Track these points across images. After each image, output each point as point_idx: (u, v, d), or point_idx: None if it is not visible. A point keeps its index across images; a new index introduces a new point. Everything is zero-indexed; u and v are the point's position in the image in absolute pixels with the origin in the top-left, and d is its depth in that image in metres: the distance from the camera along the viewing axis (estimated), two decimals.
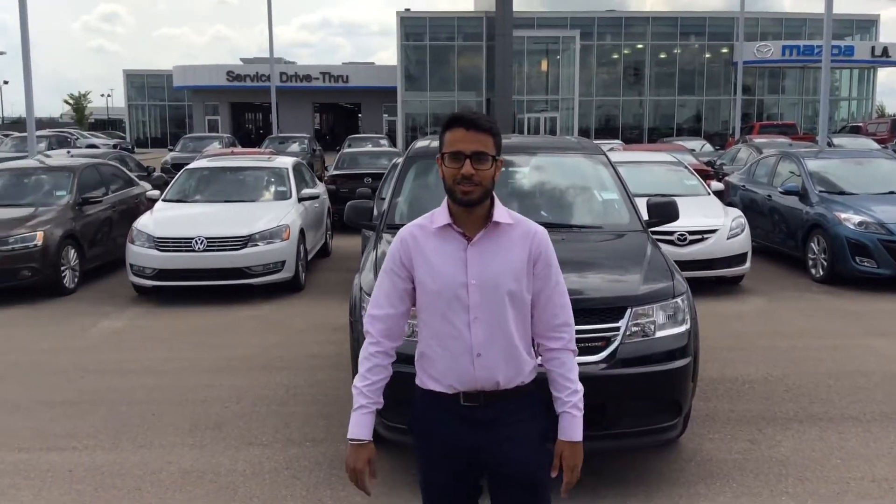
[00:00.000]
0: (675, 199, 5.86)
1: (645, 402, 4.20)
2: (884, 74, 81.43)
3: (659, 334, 4.18)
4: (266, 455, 4.76)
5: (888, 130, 32.96)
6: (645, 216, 5.47)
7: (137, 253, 8.94)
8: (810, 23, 49.88)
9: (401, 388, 4.15)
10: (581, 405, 2.48)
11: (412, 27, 49.06)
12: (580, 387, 2.49)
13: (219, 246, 8.80)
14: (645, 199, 5.86)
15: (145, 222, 9.33)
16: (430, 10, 51.53)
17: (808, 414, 5.30)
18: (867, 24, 51.27)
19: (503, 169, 5.68)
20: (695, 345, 4.34)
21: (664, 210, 5.50)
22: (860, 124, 38.97)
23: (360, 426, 2.48)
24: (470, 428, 2.43)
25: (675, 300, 4.28)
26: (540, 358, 2.53)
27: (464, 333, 2.39)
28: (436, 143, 6.43)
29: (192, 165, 11.30)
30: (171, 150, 26.26)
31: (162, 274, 8.88)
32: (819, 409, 5.40)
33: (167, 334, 7.70)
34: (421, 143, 6.43)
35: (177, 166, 19.27)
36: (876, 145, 25.04)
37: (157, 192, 11.03)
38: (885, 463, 4.49)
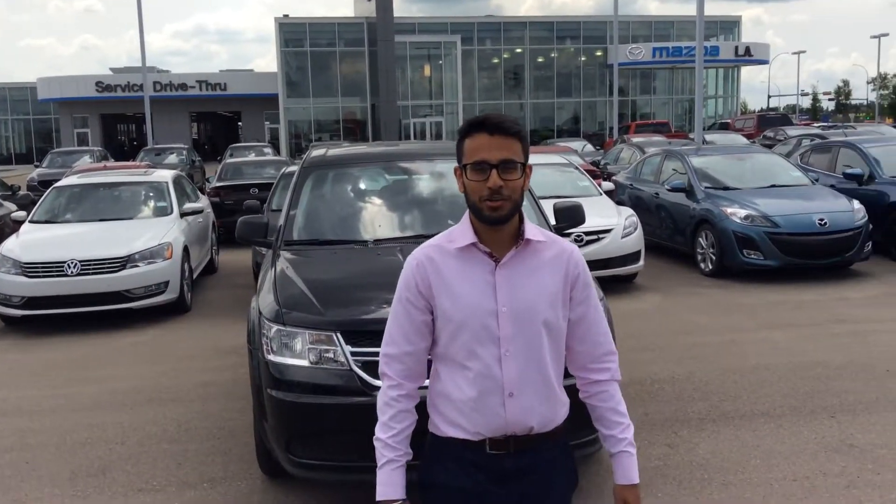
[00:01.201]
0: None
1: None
2: (745, 72, 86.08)
3: None
4: (158, 501, 4.31)
5: (755, 126, 34.67)
6: (552, 220, 5.32)
7: (3, 280, 8.16)
8: (678, 25, 52.15)
9: (310, 420, 3.88)
10: (634, 442, 2.21)
11: (292, 33, 48.21)
12: (630, 422, 2.23)
13: (94, 269, 8.14)
14: (545, 203, 5.73)
15: (10, 247, 8.54)
16: (310, 17, 50.73)
17: (720, 412, 5.28)
18: (730, 25, 54.01)
19: (400, 178, 5.39)
20: None
21: (571, 213, 5.37)
22: (728, 121, 40.92)
23: (390, 484, 2.09)
24: (496, 480, 2.09)
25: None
26: (581, 393, 2.25)
27: (493, 370, 2.05)
28: (333, 152, 6.18)
29: (61, 183, 10.48)
30: (37, 167, 24.70)
31: (31, 302, 8.14)
32: (730, 406, 5.39)
33: (40, 369, 7.03)
34: (317, 153, 6.08)
35: (45, 183, 18.11)
36: (745, 140, 26.25)
37: (23, 213, 10.18)
38: (803, 460, 4.48)
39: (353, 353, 3.78)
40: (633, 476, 2.18)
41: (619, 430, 2.19)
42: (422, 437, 2.20)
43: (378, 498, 2.09)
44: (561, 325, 2.13)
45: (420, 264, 2.10)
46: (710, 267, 10.02)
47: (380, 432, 2.12)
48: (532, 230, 2.10)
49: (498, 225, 2.03)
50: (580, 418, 3.98)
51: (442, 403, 2.13)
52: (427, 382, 2.20)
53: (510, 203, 2.01)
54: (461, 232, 2.09)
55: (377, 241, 4.85)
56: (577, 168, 11.63)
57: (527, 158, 2.06)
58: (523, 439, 2.09)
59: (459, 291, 2.05)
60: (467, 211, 2.10)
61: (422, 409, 2.18)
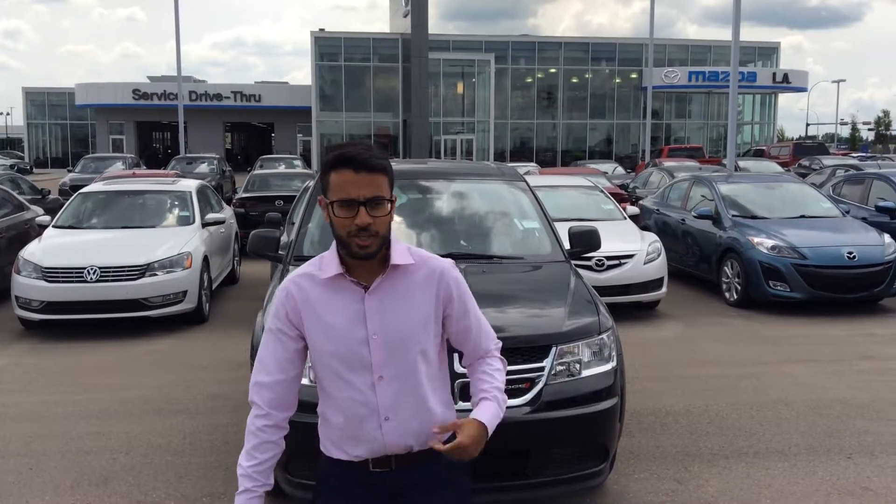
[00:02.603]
0: (594, 224, 5.68)
1: (571, 447, 3.92)
2: (783, 99, 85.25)
3: (585, 373, 3.92)
4: None
5: (790, 154, 34.26)
6: (567, 245, 5.24)
7: (23, 284, 8.24)
8: (715, 50, 51.79)
9: (306, 440, 3.82)
10: (503, 402, 2.22)
11: (327, 47, 48.65)
12: (504, 385, 2.26)
13: (113, 276, 8.18)
14: (565, 226, 5.66)
15: (32, 251, 8.62)
16: (345, 31, 51.08)
17: (733, 449, 5.13)
18: (769, 52, 53.53)
19: (421, 196, 5.38)
20: (621, 383, 4.11)
21: (586, 238, 5.27)
22: (763, 148, 40.48)
23: None
24: (381, 498, 2.13)
25: (600, 336, 4.03)
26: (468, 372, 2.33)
27: (368, 396, 2.08)
28: None
29: (86, 189, 10.59)
30: (70, 171, 25.04)
31: (50, 307, 8.19)
32: (744, 442, 5.24)
33: (54, 373, 7.06)
34: None
35: (76, 188, 18.31)
36: (780, 168, 25.93)
37: (47, 218, 10.29)
38: (814, 502, 4.33)
39: None
40: (481, 415, 2.14)
41: (487, 385, 2.22)
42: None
43: None
44: (435, 345, 2.15)
45: (289, 294, 2.10)
46: (735, 297, 9.84)
47: (243, 460, 2.14)
48: (400, 254, 2.10)
49: (367, 260, 2.04)
50: (585, 450, 3.92)
51: (325, 426, 2.18)
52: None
53: (378, 239, 2.02)
54: (328, 261, 2.10)
55: None
56: (601, 191, 11.52)
57: (392, 188, 2.05)
58: (404, 457, 2.12)
59: (330, 321, 2.06)
60: (334, 242, 2.10)
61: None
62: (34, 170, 46.25)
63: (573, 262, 5.06)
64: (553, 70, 51.07)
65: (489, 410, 2.16)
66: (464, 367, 2.34)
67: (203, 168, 23.46)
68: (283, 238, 6.10)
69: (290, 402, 2.19)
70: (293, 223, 9.35)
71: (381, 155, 2.04)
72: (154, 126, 59.85)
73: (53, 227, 9.54)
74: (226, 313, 9.48)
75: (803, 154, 32.69)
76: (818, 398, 6.15)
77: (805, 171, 24.28)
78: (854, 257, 9.19)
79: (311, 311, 2.08)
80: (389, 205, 2.03)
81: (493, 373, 2.25)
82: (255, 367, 2.17)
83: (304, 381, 3.81)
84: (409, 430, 2.11)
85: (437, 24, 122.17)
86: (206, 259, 9.12)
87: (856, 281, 9.21)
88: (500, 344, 2.34)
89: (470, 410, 2.20)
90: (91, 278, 8.11)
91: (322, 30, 49.18)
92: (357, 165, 1.98)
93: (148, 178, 13.54)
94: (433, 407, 2.15)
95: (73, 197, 10.31)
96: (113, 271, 8.19)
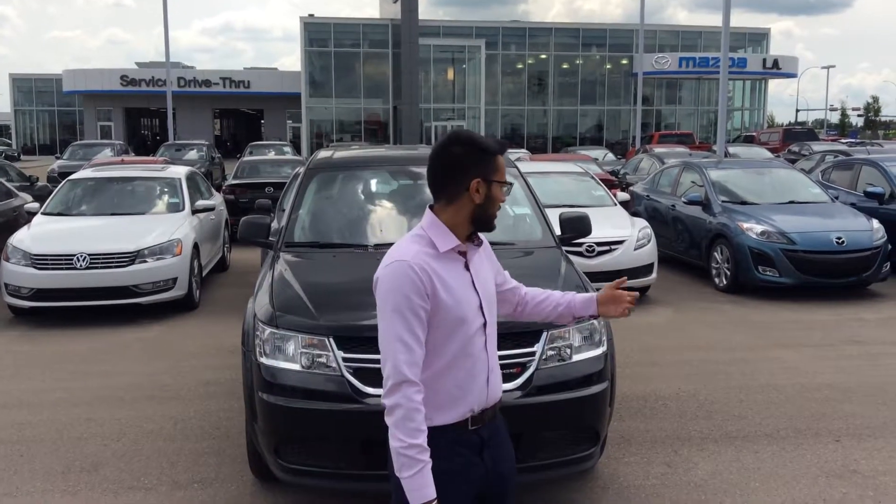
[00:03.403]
0: (585, 210, 5.69)
1: (562, 431, 3.94)
2: (773, 85, 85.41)
3: (575, 358, 3.93)
4: (148, 500, 4.28)
5: (780, 140, 34.36)
6: (557, 230, 5.25)
7: (12, 271, 8.20)
8: (705, 35, 51.75)
9: (297, 426, 3.83)
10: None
11: (316, 33, 48.37)
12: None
13: (103, 263, 8.15)
14: (555, 212, 5.66)
15: (21, 237, 8.58)
16: (335, 17, 50.86)
17: (722, 432, 5.17)
18: (759, 38, 53.52)
19: (412, 182, 5.40)
20: (611, 367, 4.13)
21: (577, 224, 5.29)
22: (753, 134, 40.58)
23: (430, 486, 2.16)
24: (477, 453, 2.34)
25: (591, 321, 4.04)
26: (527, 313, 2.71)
27: (481, 354, 2.35)
28: (339, 154, 6.13)
29: (75, 176, 10.52)
30: (58, 158, 24.87)
31: (40, 294, 8.16)
32: (733, 426, 5.28)
33: (45, 361, 7.04)
34: (323, 154, 6.04)
35: (64, 175, 18.18)
36: (769, 154, 26.00)
37: (36, 205, 10.22)
38: (803, 484, 4.37)
39: (345, 359, 3.73)
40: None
41: (558, 296, 2.70)
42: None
43: (419, 501, 2.14)
44: None
45: (423, 270, 2.21)
46: (725, 282, 9.88)
47: (412, 438, 2.16)
48: None
49: (491, 231, 2.38)
50: (576, 434, 3.94)
51: (433, 394, 2.25)
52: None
53: None
54: (442, 236, 2.28)
55: (378, 247, 4.79)
56: (592, 177, 11.52)
57: None
58: (492, 410, 2.40)
59: (456, 289, 2.27)
60: (430, 218, 2.32)
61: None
62: (22, 157, 45.88)
63: (564, 247, 5.07)
64: (543, 56, 50.93)
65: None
66: (515, 314, 2.71)
67: (192, 155, 23.34)
68: (274, 224, 6.08)
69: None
70: (283, 210, 9.35)
71: None
72: (142, 112, 59.48)
73: (42, 214, 9.48)
74: (216, 300, 9.46)
75: (793, 140, 32.81)
76: (807, 382, 6.20)
77: (794, 157, 24.35)
78: (843, 242, 9.24)
79: (441, 282, 2.24)
80: None
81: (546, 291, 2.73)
82: (397, 349, 2.19)
83: (296, 366, 3.85)
84: (500, 383, 2.44)
85: (427, 10, 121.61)
86: (196, 246, 9.09)
87: (845, 266, 9.26)
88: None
89: None
90: (81, 265, 8.08)
91: (311, 15, 48.87)
92: (504, 153, 2.36)
93: (137, 164, 13.46)
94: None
95: (62, 184, 10.24)
96: (103, 258, 8.16)
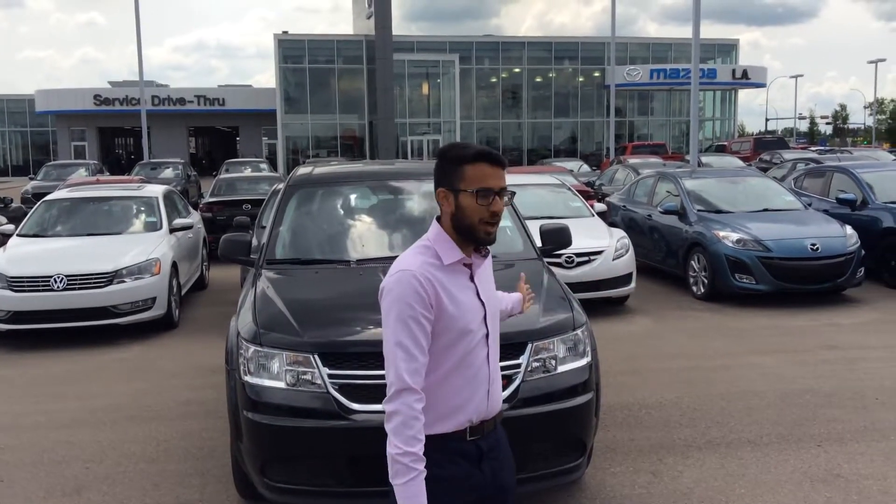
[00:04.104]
0: (564, 222, 5.73)
1: (549, 442, 3.95)
2: (743, 95, 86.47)
3: (560, 369, 3.96)
4: None
5: (751, 149, 34.75)
6: (538, 242, 5.28)
7: None
8: (675, 48, 52.42)
9: (283, 444, 3.81)
10: None
11: (291, 49, 48.34)
12: None
13: (81, 284, 8.06)
14: (534, 223, 5.69)
15: None
16: (309, 33, 50.72)
17: (706, 440, 5.21)
18: (728, 48, 54.25)
19: (392, 197, 5.41)
20: (596, 377, 4.15)
21: (558, 236, 5.32)
22: (725, 143, 41.01)
23: (422, 494, 2.19)
24: (475, 463, 2.36)
25: (575, 332, 4.07)
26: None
27: (483, 366, 2.37)
28: (319, 170, 6.13)
29: (50, 196, 10.42)
30: (32, 179, 24.62)
31: (17, 317, 8.06)
32: (716, 433, 5.33)
33: (23, 384, 6.95)
34: (303, 170, 6.04)
35: (38, 196, 17.99)
36: (741, 163, 26.30)
37: (11, 227, 10.10)
38: (787, 489, 4.42)
39: (330, 376, 3.72)
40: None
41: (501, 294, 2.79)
42: None
43: None
44: None
45: (427, 281, 2.25)
46: (702, 290, 9.97)
47: (408, 446, 2.18)
48: None
49: (486, 245, 2.34)
50: (563, 445, 3.95)
51: (433, 404, 2.28)
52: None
53: (499, 226, 2.34)
54: (447, 249, 2.31)
55: (360, 262, 4.79)
56: (569, 189, 11.60)
57: None
58: (492, 422, 2.42)
59: (462, 300, 2.30)
60: (437, 230, 2.34)
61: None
62: None
63: (543, 259, 5.10)
64: (517, 70, 51.28)
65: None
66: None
67: (168, 173, 23.20)
68: (253, 242, 6.05)
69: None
70: (262, 227, 9.32)
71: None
72: (116, 132, 59.03)
73: (18, 235, 9.38)
74: (196, 319, 9.39)
75: (764, 149, 33.17)
76: (787, 388, 6.26)
77: (766, 166, 24.65)
78: (817, 249, 9.36)
79: (446, 293, 2.27)
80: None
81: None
82: (398, 356, 2.21)
83: (280, 384, 3.84)
84: (500, 395, 2.46)
85: (400, 25, 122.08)
86: (174, 265, 9.03)
87: (819, 272, 9.38)
88: None
89: None
90: (58, 286, 8.00)
91: (285, 32, 48.84)
92: (493, 160, 2.29)
93: (112, 184, 13.36)
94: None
95: (37, 205, 10.14)
96: (80, 279, 8.08)
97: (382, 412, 2.38)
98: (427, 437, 2.24)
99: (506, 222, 5.41)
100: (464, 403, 2.33)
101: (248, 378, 3.86)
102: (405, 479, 2.17)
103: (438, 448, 2.28)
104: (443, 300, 2.26)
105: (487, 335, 2.37)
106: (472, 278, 2.36)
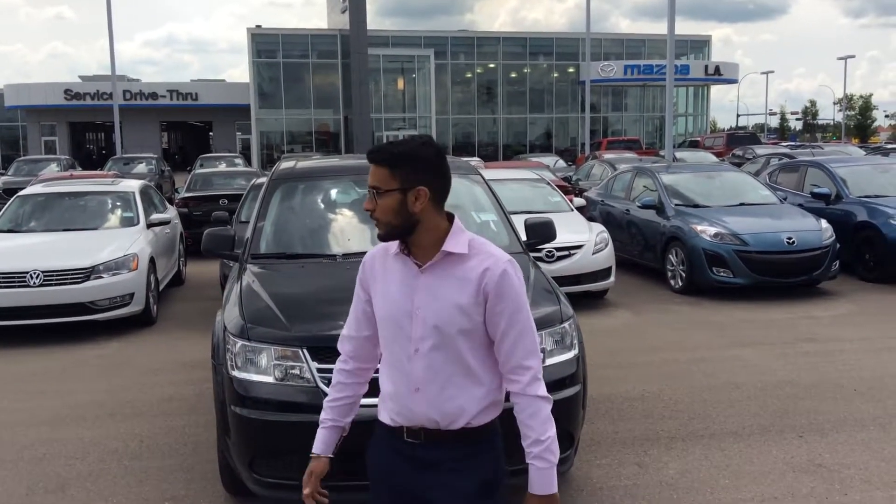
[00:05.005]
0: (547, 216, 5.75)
1: None
2: (715, 91, 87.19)
3: (548, 362, 3.95)
4: None
5: (724, 144, 35.10)
6: (523, 236, 5.29)
7: None
8: (649, 44, 52.76)
9: (271, 439, 3.79)
10: (549, 455, 2.22)
11: (264, 44, 48.01)
12: (546, 434, 2.22)
13: (58, 280, 7.95)
14: (515, 218, 5.71)
15: None
16: (283, 28, 50.47)
17: (689, 431, 5.26)
18: (700, 45, 54.74)
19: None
20: (583, 370, 4.17)
21: (543, 230, 5.34)
22: (698, 139, 41.39)
23: (318, 441, 2.47)
24: (410, 467, 2.29)
25: (562, 325, 4.08)
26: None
27: (405, 365, 2.26)
28: (302, 164, 6.11)
29: (25, 192, 10.27)
30: (2, 175, 24.25)
31: None
32: (699, 425, 5.38)
33: (1, 381, 6.84)
34: (286, 164, 6.00)
35: (10, 192, 17.75)
36: (715, 158, 26.54)
37: None
38: (771, 480, 4.47)
39: (319, 370, 3.70)
40: (538, 487, 2.23)
41: (527, 444, 2.23)
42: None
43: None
44: (481, 332, 2.23)
45: (365, 262, 2.39)
46: (680, 284, 10.06)
47: (325, 399, 2.48)
48: (457, 242, 2.22)
49: (384, 242, 2.29)
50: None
51: (381, 389, 2.37)
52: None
53: (384, 225, 2.21)
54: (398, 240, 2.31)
55: (346, 256, 4.78)
56: (548, 184, 11.64)
57: (409, 183, 2.16)
58: (433, 432, 2.24)
59: (388, 289, 2.28)
60: None
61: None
62: None
63: None
64: (492, 65, 51.34)
65: (542, 478, 2.22)
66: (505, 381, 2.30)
67: (141, 168, 22.97)
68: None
69: (368, 356, 2.44)
70: (242, 222, 9.25)
71: (391, 147, 2.20)
72: (87, 127, 58.30)
73: None
74: (174, 315, 9.31)
75: (736, 144, 33.50)
76: (767, 380, 6.34)
77: (739, 161, 24.87)
78: (793, 242, 9.48)
79: (376, 279, 2.33)
80: (398, 194, 2.17)
81: (532, 425, 2.22)
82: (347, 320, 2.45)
83: (269, 378, 3.82)
84: (436, 406, 2.22)
85: (374, 20, 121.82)
86: (152, 260, 8.94)
87: (796, 265, 9.50)
88: (538, 371, 2.26)
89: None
90: (34, 283, 7.88)
91: (259, 26, 48.51)
92: (369, 157, 2.22)
93: (87, 179, 13.20)
94: (466, 391, 2.23)
95: (11, 200, 9.99)
96: (57, 275, 7.97)
97: (371, 406, 2.47)
98: (379, 422, 2.37)
99: (490, 216, 5.43)
100: (387, 397, 2.32)
101: (235, 373, 3.83)
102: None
103: (381, 437, 2.37)
104: (372, 283, 2.35)
105: (411, 338, 2.22)
106: (417, 276, 2.23)
